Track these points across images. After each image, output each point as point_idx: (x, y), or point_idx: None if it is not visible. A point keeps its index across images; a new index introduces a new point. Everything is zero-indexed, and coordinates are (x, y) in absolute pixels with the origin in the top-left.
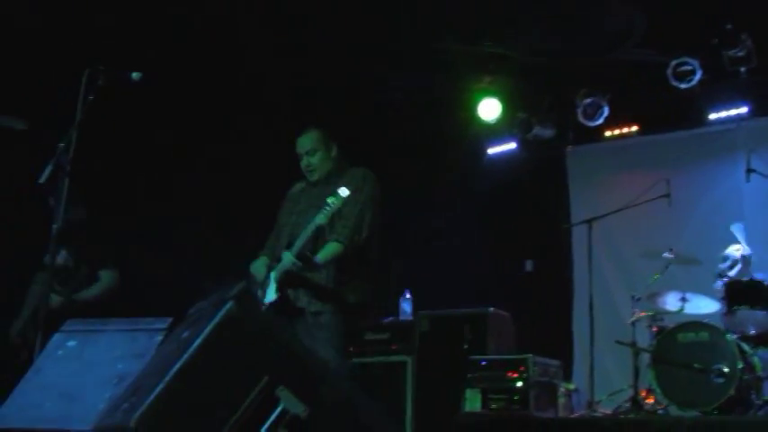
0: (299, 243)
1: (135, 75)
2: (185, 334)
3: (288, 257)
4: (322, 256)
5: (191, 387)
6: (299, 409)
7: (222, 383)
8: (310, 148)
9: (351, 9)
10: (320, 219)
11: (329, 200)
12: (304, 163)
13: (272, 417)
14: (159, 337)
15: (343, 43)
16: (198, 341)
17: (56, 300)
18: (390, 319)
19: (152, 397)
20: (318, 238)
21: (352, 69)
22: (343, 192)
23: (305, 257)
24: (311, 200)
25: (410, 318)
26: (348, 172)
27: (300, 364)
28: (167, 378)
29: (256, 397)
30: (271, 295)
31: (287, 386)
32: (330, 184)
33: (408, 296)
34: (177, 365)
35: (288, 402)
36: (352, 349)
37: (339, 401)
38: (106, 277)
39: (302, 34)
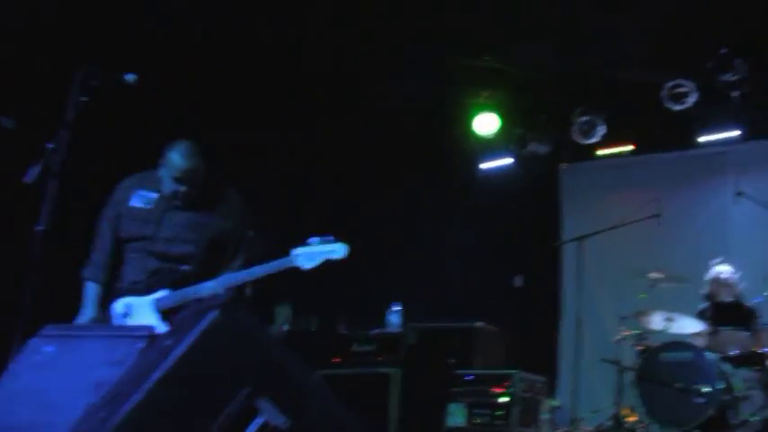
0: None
1: (129, 76)
2: (168, 342)
3: (209, 288)
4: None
5: (170, 396)
6: (279, 420)
7: (203, 393)
8: (198, 174)
9: (356, 17)
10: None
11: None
12: (183, 188)
13: (252, 428)
14: (141, 344)
15: (343, 49)
16: (180, 349)
17: None
18: (378, 330)
19: (130, 406)
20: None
21: (352, 76)
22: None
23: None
24: (184, 225)
25: (398, 330)
26: (214, 192)
27: (284, 376)
28: (147, 386)
29: (236, 408)
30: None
31: (269, 397)
32: (201, 205)
33: (397, 308)
34: (158, 374)
35: (268, 414)
36: (337, 360)
37: (323, 414)
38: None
39: (303, 37)
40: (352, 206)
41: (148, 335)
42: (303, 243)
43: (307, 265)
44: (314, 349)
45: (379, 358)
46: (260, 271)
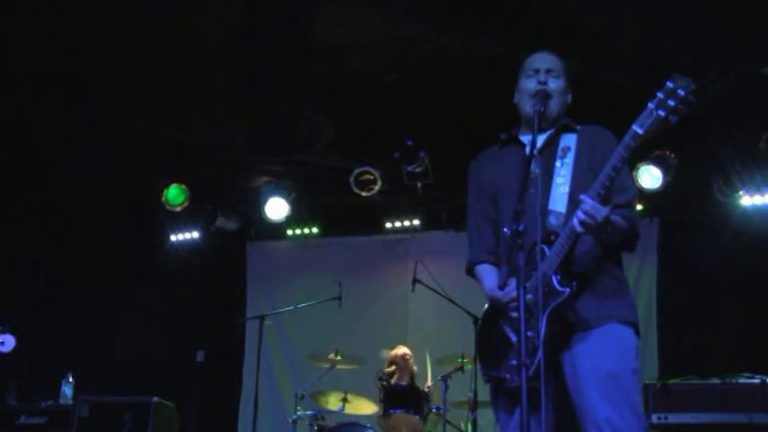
0: None
1: None
2: None
3: None
4: None
5: None
6: None
7: None
8: None
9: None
10: None
11: None
12: None
13: None
14: None
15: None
16: None
17: None
18: (49, 402)
19: None
20: None
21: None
22: None
23: None
24: None
25: (70, 402)
26: None
27: None
28: None
29: None
30: None
31: None
32: None
33: (71, 379)
34: None
35: None
36: None
37: None
38: None
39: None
40: (32, 270)
41: None
42: None
43: None
44: None
45: (49, 431)
46: None
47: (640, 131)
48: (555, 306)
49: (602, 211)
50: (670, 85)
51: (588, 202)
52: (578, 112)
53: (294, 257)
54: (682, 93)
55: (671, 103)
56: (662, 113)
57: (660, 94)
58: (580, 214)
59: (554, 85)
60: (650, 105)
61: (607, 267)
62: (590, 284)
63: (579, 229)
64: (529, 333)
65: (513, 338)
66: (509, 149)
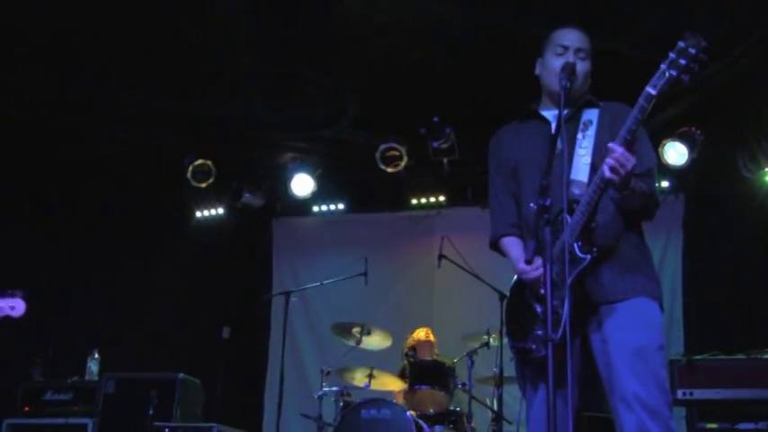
0: None
1: None
2: None
3: None
4: None
5: None
6: None
7: None
8: None
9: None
10: None
11: None
12: None
13: None
14: None
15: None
16: None
17: None
18: (75, 378)
19: None
20: None
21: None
22: None
23: None
24: None
25: (96, 378)
26: None
27: None
28: None
29: None
30: None
31: None
32: None
33: (96, 356)
34: None
35: None
36: (28, 408)
37: None
38: None
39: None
40: (58, 247)
41: None
42: None
43: None
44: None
45: (75, 408)
46: None
47: (653, 92)
48: (577, 273)
49: (632, 160)
50: (681, 44)
51: (618, 149)
52: (601, 89)
53: (320, 234)
54: (693, 51)
55: (682, 62)
56: (674, 73)
57: (672, 54)
58: (609, 161)
59: (581, 67)
60: (662, 66)
61: (631, 238)
62: (614, 256)
63: (608, 174)
64: (554, 302)
65: (538, 309)
66: (530, 124)
